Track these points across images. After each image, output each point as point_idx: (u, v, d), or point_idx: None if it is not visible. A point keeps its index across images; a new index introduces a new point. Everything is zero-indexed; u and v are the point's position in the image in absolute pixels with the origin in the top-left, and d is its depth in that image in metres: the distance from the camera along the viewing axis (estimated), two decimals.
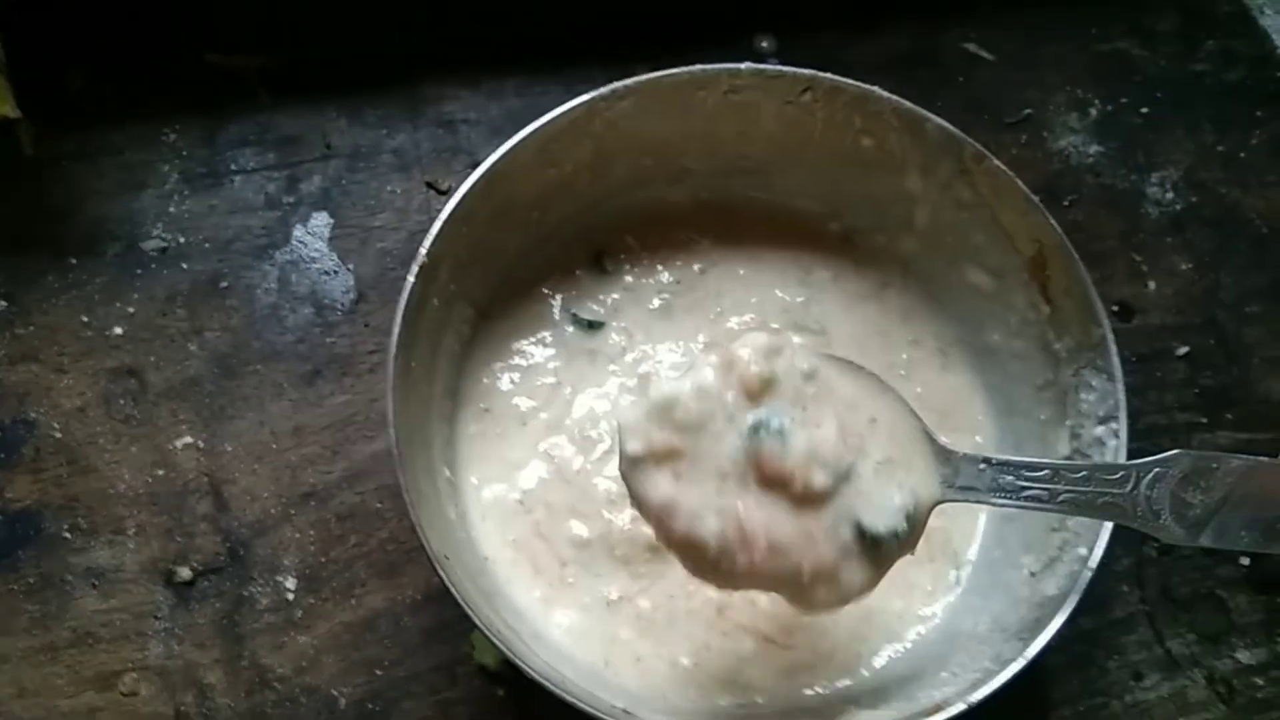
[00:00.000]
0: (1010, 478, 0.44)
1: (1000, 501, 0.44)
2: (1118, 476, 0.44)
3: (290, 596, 0.54)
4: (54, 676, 0.52)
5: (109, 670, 0.52)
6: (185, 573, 0.54)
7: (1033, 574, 0.50)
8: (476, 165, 0.63)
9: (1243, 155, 0.68)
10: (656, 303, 0.59)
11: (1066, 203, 0.65)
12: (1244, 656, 0.56)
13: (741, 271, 0.60)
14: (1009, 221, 0.54)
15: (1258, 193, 0.67)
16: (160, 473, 0.56)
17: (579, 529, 0.53)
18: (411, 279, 0.50)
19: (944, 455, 0.45)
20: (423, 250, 0.50)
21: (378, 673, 0.53)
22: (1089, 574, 0.46)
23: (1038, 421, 0.54)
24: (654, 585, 0.52)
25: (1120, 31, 0.71)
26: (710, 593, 0.51)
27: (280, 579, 0.55)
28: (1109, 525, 0.47)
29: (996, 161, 0.53)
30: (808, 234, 0.61)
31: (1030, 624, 0.47)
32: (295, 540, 0.55)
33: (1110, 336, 0.50)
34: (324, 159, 0.64)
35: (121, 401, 0.58)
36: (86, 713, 0.52)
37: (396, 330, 0.48)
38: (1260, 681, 0.55)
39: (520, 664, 0.44)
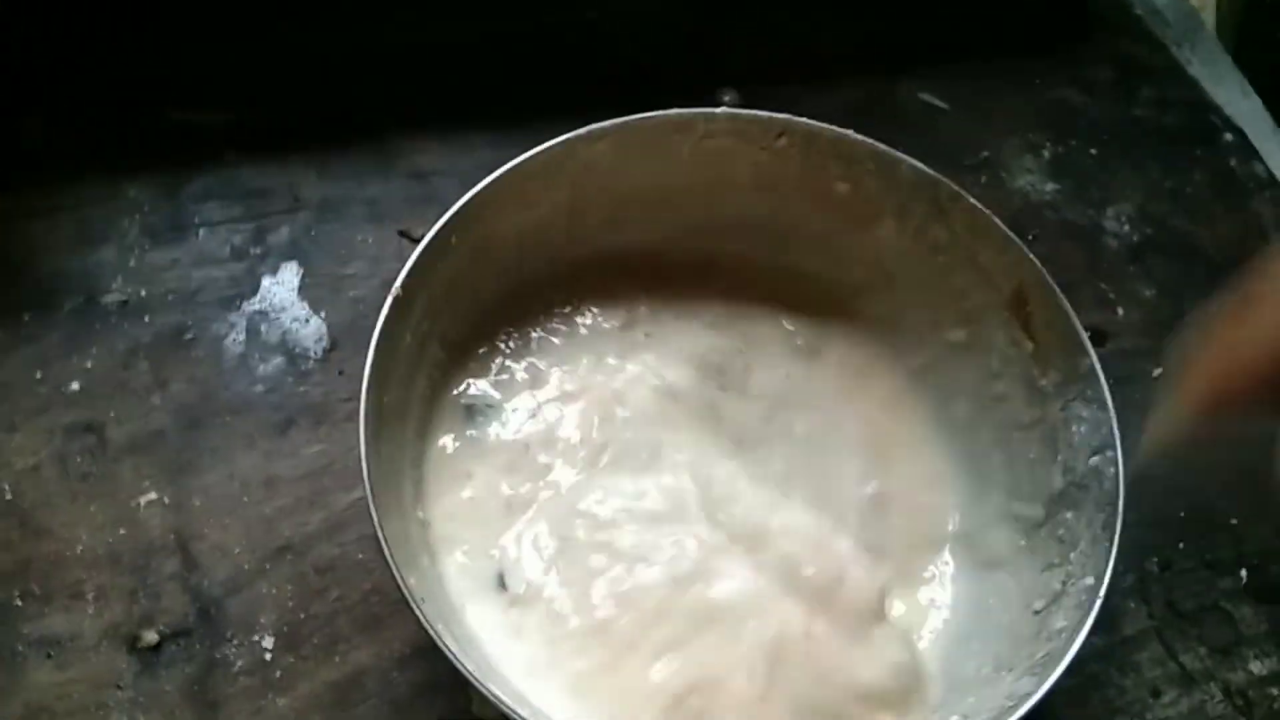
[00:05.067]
0: None
1: None
2: None
3: (268, 656, 0.50)
4: None
5: None
6: (151, 636, 0.50)
7: (1036, 612, 0.48)
8: None
9: (1189, 190, 0.71)
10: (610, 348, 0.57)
11: (1030, 237, 0.67)
12: (1256, 667, 0.55)
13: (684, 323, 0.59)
14: (987, 260, 0.54)
15: (1206, 225, 0.70)
16: (122, 531, 0.52)
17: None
18: (386, 310, 0.48)
19: None
20: (397, 283, 0.49)
21: None
22: (1099, 601, 0.45)
23: (1024, 464, 0.53)
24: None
25: (1062, 81, 0.75)
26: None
27: (256, 638, 0.51)
28: (1113, 553, 0.46)
29: (972, 199, 0.54)
30: (784, 289, 0.60)
31: (1042, 660, 0.45)
32: (271, 596, 0.52)
33: (1097, 365, 0.50)
34: (292, 211, 0.62)
35: (79, 459, 0.54)
36: None
37: (369, 363, 0.46)
38: (1276, 691, 0.54)
39: None
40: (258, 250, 0.61)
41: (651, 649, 0.49)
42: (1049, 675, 0.42)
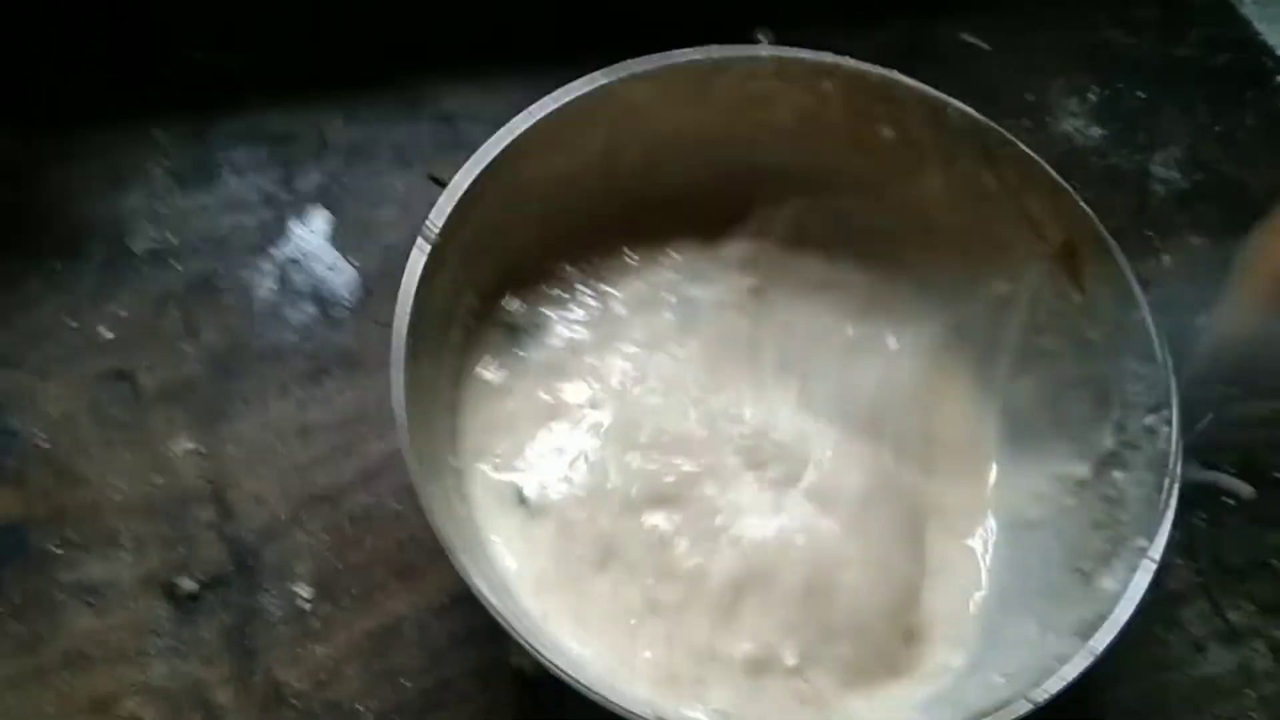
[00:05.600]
0: None
1: None
2: None
3: (305, 606, 0.50)
4: (43, 703, 0.47)
5: (106, 693, 0.47)
6: (188, 585, 0.50)
7: (1083, 572, 0.47)
8: None
9: (1239, 135, 0.69)
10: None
11: (1075, 185, 0.65)
12: None
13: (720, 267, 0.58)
14: (1036, 209, 0.52)
15: (1258, 171, 0.68)
16: (157, 480, 0.52)
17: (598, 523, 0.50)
18: (418, 255, 0.47)
19: None
20: (429, 226, 0.48)
21: (404, 683, 0.49)
22: (1153, 565, 0.44)
23: (1073, 422, 0.51)
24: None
25: (1106, 22, 0.73)
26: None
27: (293, 587, 0.50)
28: (1169, 515, 0.45)
29: (1022, 146, 0.52)
30: (824, 235, 0.58)
31: (1090, 621, 0.44)
32: (308, 545, 0.51)
33: (1150, 319, 0.48)
34: (320, 156, 0.61)
35: (113, 408, 0.53)
36: None
37: (401, 310, 0.45)
38: None
39: (566, 676, 0.40)
40: (287, 196, 0.60)
41: (654, 573, 0.48)
42: (1101, 640, 0.41)
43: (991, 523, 0.53)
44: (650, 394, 0.53)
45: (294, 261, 0.58)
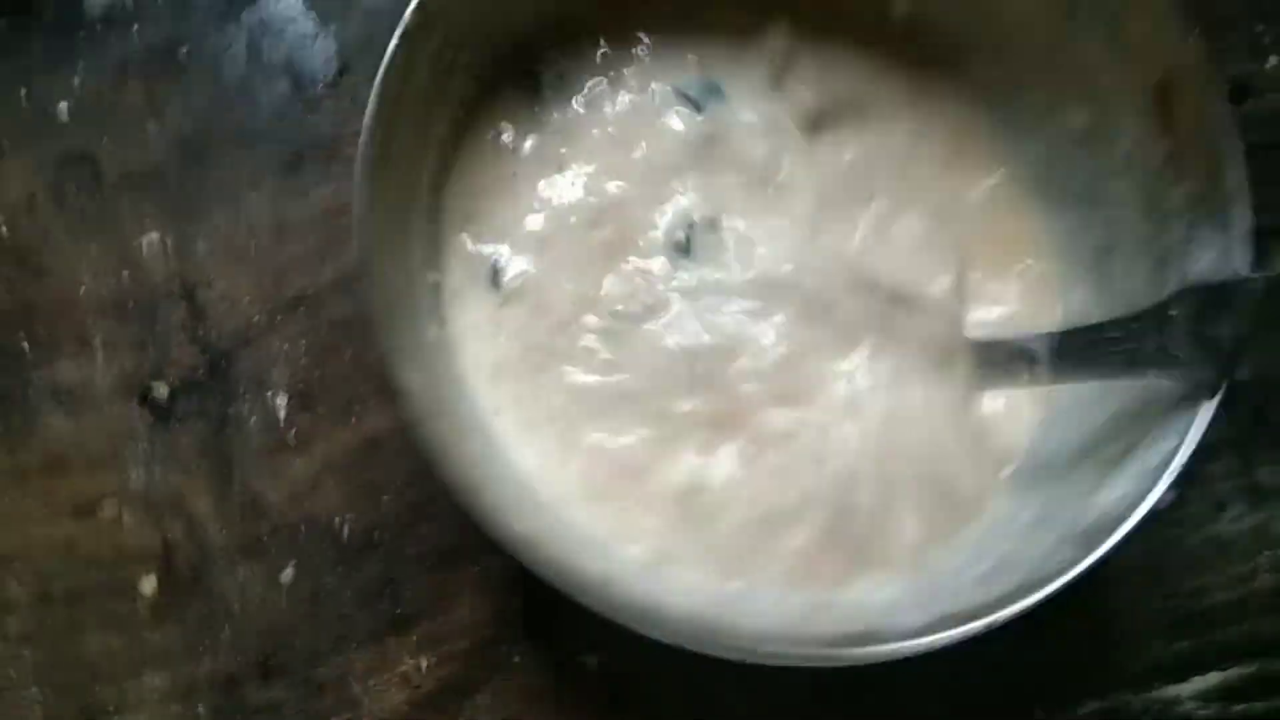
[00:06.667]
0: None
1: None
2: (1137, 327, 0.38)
3: (282, 415, 0.49)
4: (27, 504, 0.47)
5: (86, 497, 0.47)
6: (162, 389, 0.48)
7: (1102, 464, 0.42)
8: None
9: None
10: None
11: None
12: None
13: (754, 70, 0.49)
14: (1137, 33, 0.43)
15: None
16: (125, 275, 0.49)
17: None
18: (394, 44, 0.41)
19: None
20: (410, 8, 0.41)
21: (384, 498, 0.48)
22: (1169, 478, 0.39)
23: (1126, 288, 0.45)
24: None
25: None
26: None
27: (269, 396, 0.49)
28: (1198, 425, 0.40)
29: None
30: (880, 35, 0.49)
31: (1092, 529, 0.40)
32: (284, 352, 0.49)
33: (1245, 192, 0.41)
34: None
35: (75, 195, 0.50)
36: (65, 543, 0.47)
37: (372, 107, 0.40)
38: None
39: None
40: None
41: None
42: (1097, 547, 0.38)
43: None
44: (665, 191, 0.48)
45: (265, 29, 0.52)
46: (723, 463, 0.44)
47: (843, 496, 0.43)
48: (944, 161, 0.48)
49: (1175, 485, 0.49)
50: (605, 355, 0.46)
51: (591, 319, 0.46)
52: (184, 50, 0.51)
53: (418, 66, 0.42)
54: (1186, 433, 0.39)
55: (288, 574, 0.48)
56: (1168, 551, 0.50)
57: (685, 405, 0.45)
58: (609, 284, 0.47)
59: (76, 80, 0.50)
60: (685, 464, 0.44)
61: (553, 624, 0.47)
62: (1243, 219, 0.40)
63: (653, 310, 0.46)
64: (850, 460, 0.43)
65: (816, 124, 0.49)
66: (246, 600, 0.48)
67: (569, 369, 0.46)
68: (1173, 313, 0.37)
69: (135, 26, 0.51)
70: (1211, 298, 0.37)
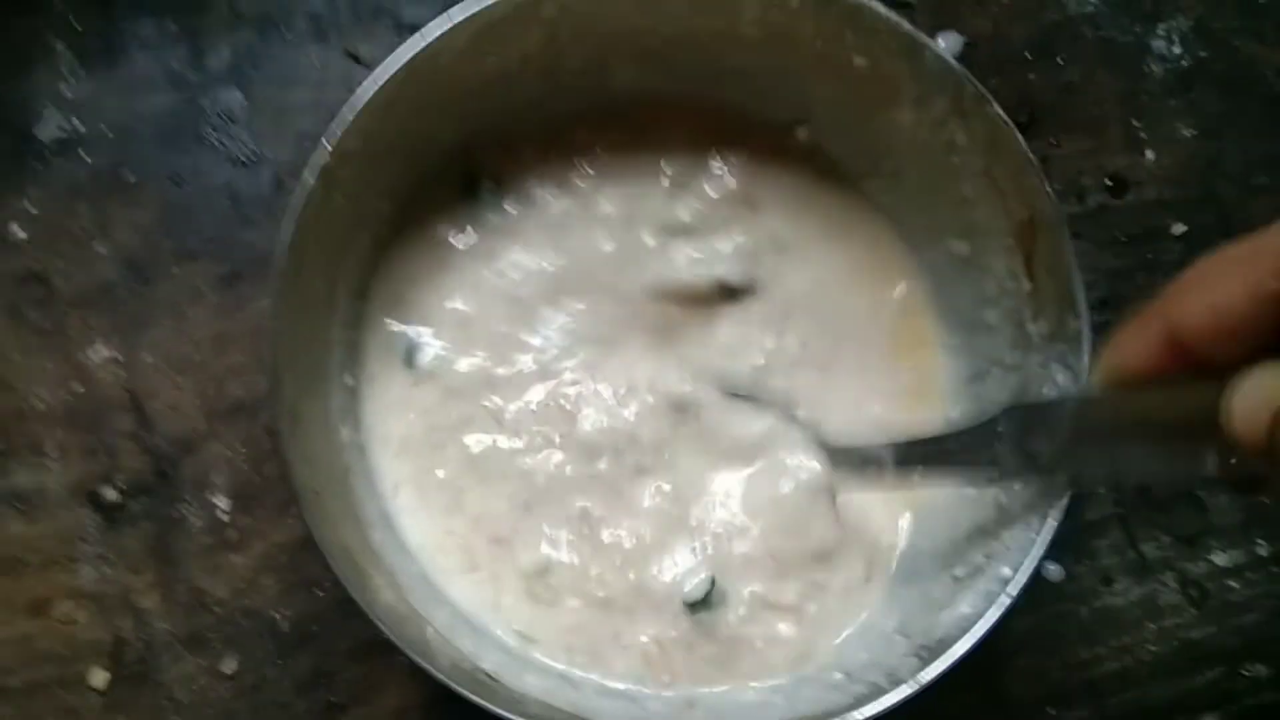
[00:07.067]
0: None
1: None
2: (970, 440, 0.42)
3: (224, 516, 0.52)
4: None
5: (41, 597, 0.51)
6: (112, 494, 0.52)
7: (957, 579, 0.46)
8: (401, 29, 0.57)
9: (1261, 1, 0.61)
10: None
11: (1061, 60, 0.59)
12: (1220, 559, 0.54)
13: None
14: (1001, 178, 0.47)
15: (1276, 45, 0.60)
16: (78, 388, 0.53)
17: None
18: (309, 177, 0.45)
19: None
20: (325, 144, 0.45)
21: (318, 593, 0.51)
22: (1007, 600, 0.42)
23: (991, 403, 0.49)
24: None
25: None
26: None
27: (212, 498, 0.52)
28: (1039, 543, 0.43)
29: (998, 108, 0.46)
30: (774, 146, 0.54)
31: (935, 643, 0.43)
32: (225, 457, 0.53)
33: (1087, 333, 0.44)
34: (231, 27, 0.57)
35: (30, 312, 0.53)
36: (21, 639, 0.50)
37: (287, 235, 0.45)
38: (1235, 584, 0.54)
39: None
40: (196, 76, 0.56)
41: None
42: (930, 664, 0.42)
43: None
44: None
45: (205, 152, 0.55)
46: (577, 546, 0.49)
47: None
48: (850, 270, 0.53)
49: (1063, 560, 0.53)
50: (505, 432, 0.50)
51: (496, 400, 0.50)
52: (131, 176, 0.55)
53: (333, 194, 0.46)
54: (1029, 550, 0.42)
55: (230, 664, 0.51)
56: (1063, 622, 0.54)
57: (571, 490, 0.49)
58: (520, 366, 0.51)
59: (28, 204, 0.54)
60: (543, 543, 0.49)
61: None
62: (1084, 365, 0.44)
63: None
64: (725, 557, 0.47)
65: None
66: (192, 691, 0.51)
67: (466, 440, 0.50)
68: (1000, 429, 0.40)
69: (84, 154, 0.55)
70: (1031, 415, 0.41)
